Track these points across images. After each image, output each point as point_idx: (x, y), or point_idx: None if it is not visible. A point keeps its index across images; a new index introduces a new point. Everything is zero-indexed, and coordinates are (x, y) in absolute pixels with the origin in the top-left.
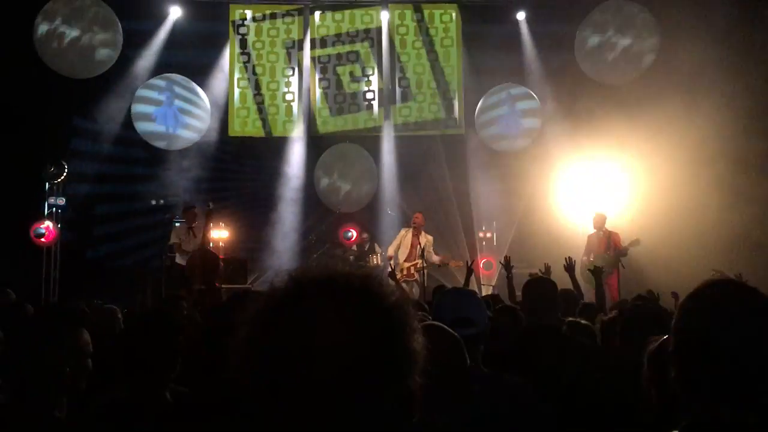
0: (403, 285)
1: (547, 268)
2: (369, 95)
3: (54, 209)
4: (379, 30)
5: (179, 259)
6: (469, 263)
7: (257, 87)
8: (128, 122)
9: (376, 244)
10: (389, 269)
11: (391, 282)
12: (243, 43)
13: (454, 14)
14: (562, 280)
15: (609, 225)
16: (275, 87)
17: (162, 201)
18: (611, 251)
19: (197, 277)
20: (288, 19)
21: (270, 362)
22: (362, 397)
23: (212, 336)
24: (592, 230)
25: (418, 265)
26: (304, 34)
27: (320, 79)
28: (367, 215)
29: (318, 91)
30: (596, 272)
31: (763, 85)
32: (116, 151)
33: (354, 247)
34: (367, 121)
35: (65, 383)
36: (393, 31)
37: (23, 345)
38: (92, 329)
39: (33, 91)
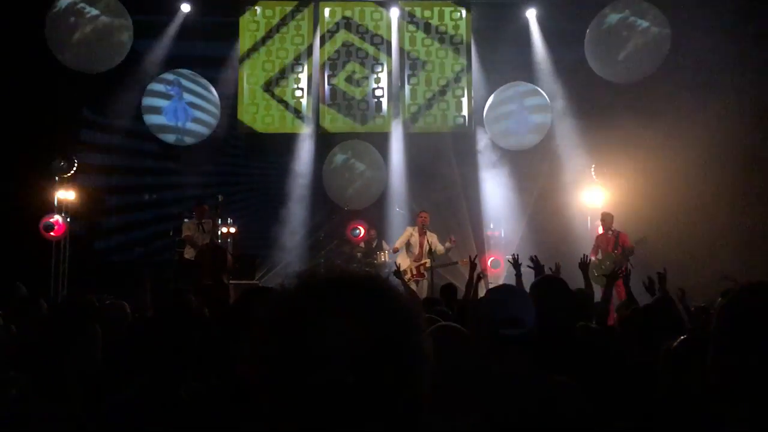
0: (413, 284)
1: (558, 268)
2: (378, 92)
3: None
4: (388, 27)
5: (188, 254)
6: (473, 257)
7: (267, 83)
8: (138, 116)
9: (383, 242)
10: (395, 268)
11: (398, 281)
12: (253, 39)
13: (464, 11)
14: (571, 279)
15: (619, 225)
16: (285, 83)
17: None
18: (619, 250)
19: (206, 272)
20: (298, 16)
21: (280, 363)
22: (372, 397)
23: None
24: (600, 229)
25: (427, 265)
26: (314, 30)
27: (329, 76)
28: (375, 213)
29: (327, 88)
30: (610, 276)
31: None
32: (126, 144)
33: (362, 245)
34: (375, 118)
35: (79, 378)
36: (403, 28)
37: (38, 340)
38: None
39: (43, 85)
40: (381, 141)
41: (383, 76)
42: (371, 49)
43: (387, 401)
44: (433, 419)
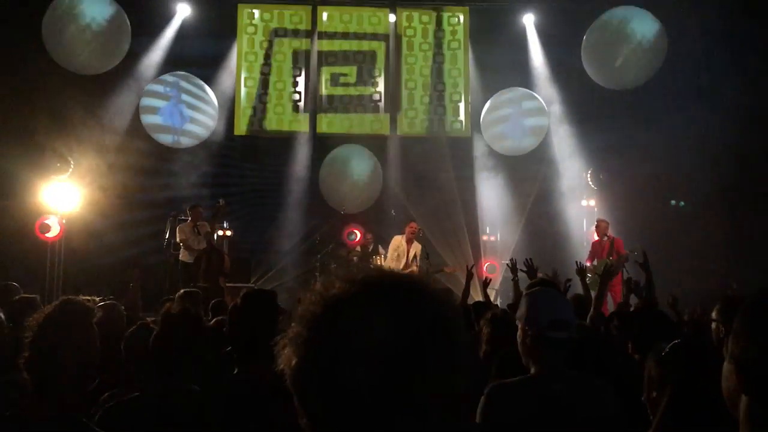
0: None
1: (555, 273)
2: (375, 97)
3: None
4: (386, 32)
5: (183, 256)
6: (470, 267)
7: (264, 86)
8: (135, 120)
9: (380, 246)
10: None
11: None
12: (250, 43)
13: (462, 17)
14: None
15: (614, 230)
16: (282, 87)
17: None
18: (614, 257)
19: (203, 276)
20: (296, 19)
21: (321, 362)
22: (414, 395)
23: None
24: (595, 236)
25: (414, 272)
26: (312, 34)
27: (327, 80)
28: (372, 217)
29: (324, 92)
30: (604, 275)
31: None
32: (123, 144)
33: (358, 249)
34: (372, 122)
35: (77, 379)
36: (400, 33)
37: (34, 340)
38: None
39: (39, 84)
40: (378, 145)
41: (380, 80)
42: (368, 53)
43: (429, 397)
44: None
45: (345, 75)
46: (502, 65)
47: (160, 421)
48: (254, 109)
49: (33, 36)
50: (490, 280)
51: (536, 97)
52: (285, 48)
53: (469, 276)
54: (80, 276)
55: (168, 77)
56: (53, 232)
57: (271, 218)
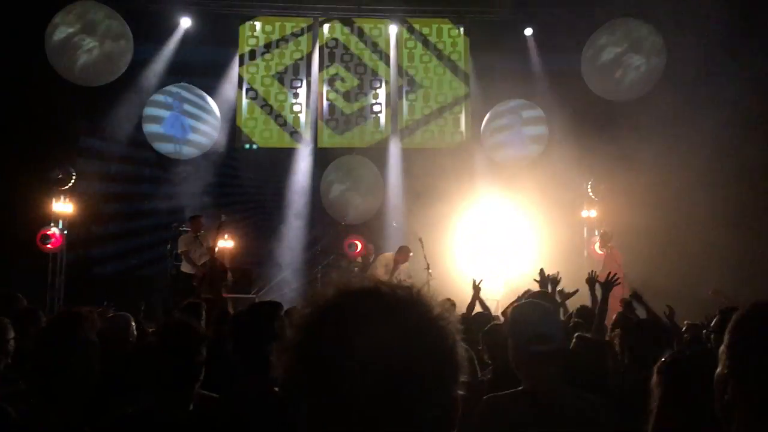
0: None
1: (542, 273)
2: (376, 108)
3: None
4: (387, 43)
5: (185, 267)
6: (478, 282)
7: (266, 98)
8: (138, 131)
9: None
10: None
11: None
12: (252, 55)
13: (462, 29)
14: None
15: (616, 241)
16: (283, 98)
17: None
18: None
19: (205, 287)
20: (297, 31)
21: (318, 370)
22: (408, 405)
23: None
24: (595, 245)
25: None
26: (313, 46)
27: (328, 92)
28: (373, 228)
29: (325, 104)
30: (605, 285)
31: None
32: (125, 154)
33: (359, 259)
34: (373, 133)
35: (78, 389)
36: (401, 44)
37: (37, 351)
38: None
39: (42, 96)
40: (379, 156)
41: (381, 92)
42: (370, 65)
43: (423, 408)
44: None
45: (346, 87)
46: (502, 76)
47: None
48: (255, 120)
49: (36, 47)
50: (479, 289)
51: (536, 107)
52: (286, 60)
53: (477, 290)
54: (81, 286)
55: (170, 88)
56: (54, 243)
57: (273, 229)
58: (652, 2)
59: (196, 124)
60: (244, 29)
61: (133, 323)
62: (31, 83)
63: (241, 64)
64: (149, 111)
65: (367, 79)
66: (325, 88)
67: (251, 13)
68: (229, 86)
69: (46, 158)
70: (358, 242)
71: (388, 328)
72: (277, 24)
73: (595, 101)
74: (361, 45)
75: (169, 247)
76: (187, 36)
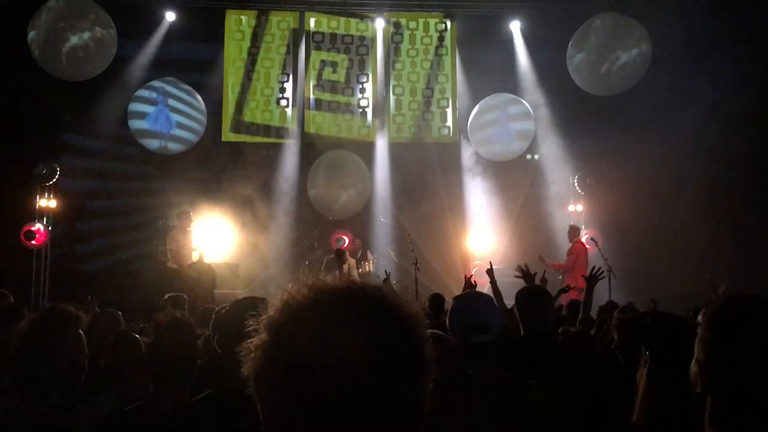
0: None
1: (525, 267)
2: (363, 102)
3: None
4: (373, 38)
5: (172, 263)
6: (470, 277)
7: (252, 92)
8: (123, 127)
9: (368, 251)
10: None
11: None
12: (238, 48)
13: (449, 23)
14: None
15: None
16: (269, 92)
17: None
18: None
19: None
20: (283, 26)
21: (288, 370)
22: (378, 403)
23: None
24: (582, 238)
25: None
26: (299, 40)
27: (314, 86)
28: (360, 223)
29: (312, 98)
30: (589, 280)
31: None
32: (110, 149)
33: (347, 254)
34: (360, 128)
35: (66, 385)
36: (388, 39)
37: (20, 348)
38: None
39: (26, 92)
40: (366, 151)
41: (368, 86)
42: (356, 60)
43: (393, 406)
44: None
45: (332, 81)
46: (489, 71)
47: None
48: (242, 114)
49: (19, 42)
50: (474, 285)
51: (522, 102)
52: (272, 54)
53: (468, 286)
54: (66, 282)
55: (155, 83)
56: (39, 239)
57: (260, 224)
58: None
59: (182, 119)
60: (230, 23)
61: (121, 319)
62: (14, 79)
63: (226, 58)
64: (134, 107)
65: (353, 73)
66: (311, 83)
67: (238, 6)
68: (215, 81)
69: (30, 154)
70: (345, 237)
71: (358, 325)
72: (263, 18)
73: (582, 96)
74: (348, 39)
75: (157, 243)
76: (172, 31)
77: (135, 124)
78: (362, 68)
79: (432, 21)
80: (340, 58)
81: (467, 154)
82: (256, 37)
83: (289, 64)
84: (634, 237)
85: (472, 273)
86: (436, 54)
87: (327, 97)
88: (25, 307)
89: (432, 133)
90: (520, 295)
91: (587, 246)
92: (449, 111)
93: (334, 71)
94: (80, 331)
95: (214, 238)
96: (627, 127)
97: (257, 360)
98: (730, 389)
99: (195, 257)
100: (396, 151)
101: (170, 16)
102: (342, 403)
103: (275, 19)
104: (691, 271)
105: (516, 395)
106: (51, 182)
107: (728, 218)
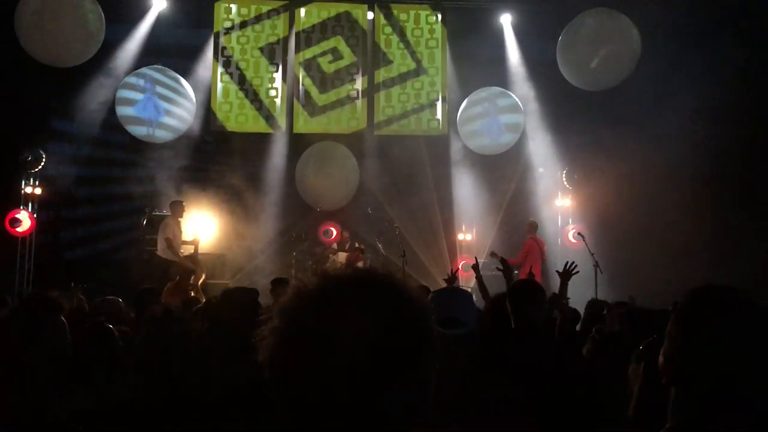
0: None
1: (501, 261)
2: (353, 94)
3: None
4: (364, 29)
5: (164, 253)
6: (455, 271)
7: (241, 82)
8: (111, 114)
9: (356, 243)
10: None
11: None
12: (227, 38)
13: (439, 15)
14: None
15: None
16: (258, 83)
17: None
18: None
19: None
20: (274, 15)
21: (303, 353)
22: (388, 383)
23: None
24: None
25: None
26: (290, 30)
27: (304, 77)
28: (348, 214)
29: (302, 89)
30: (563, 274)
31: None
32: (97, 136)
33: (334, 245)
34: (350, 120)
35: (49, 375)
36: (378, 30)
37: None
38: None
39: (12, 77)
40: (355, 143)
41: (358, 77)
42: (347, 51)
43: (402, 386)
44: None
45: (322, 72)
46: (479, 64)
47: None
48: (230, 104)
49: (5, 26)
50: (456, 278)
51: (511, 95)
52: (262, 44)
53: (453, 279)
54: (51, 270)
55: (144, 70)
56: (24, 227)
57: (248, 215)
58: None
59: (170, 107)
60: (220, 12)
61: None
62: (0, 64)
63: (215, 47)
64: (122, 93)
65: (343, 65)
66: (301, 74)
67: None
68: (204, 69)
69: (16, 140)
70: (333, 228)
71: (368, 309)
72: (253, 7)
73: (571, 90)
74: (338, 30)
75: (142, 230)
76: (161, 17)
77: (123, 110)
78: (352, 60)
79: (423, 13)
80: (330, 49)
81: (456, 148)
82: (246, 27)
83: (279, 55)
84: (621, 232)
85: (460, 266)
86: (427, 46)
87: (317, 88)
88: (8, 294)
89: (421, 126)
90: (513, 289)
91: (539, 242)
92: (439, 104)
93: (324, 63)
94: (63, 318)
95: (202, 228)
96: (615, 122)
97: (272, 345)
98: (694, 381)
99: (191, 249)
100: (385, 143)
101: (160, 4)
102: (356, 382)
103: (266, 8)
104: (679, 266)
105: (488, 390)
106: (37, 169)
107: (714, 213)
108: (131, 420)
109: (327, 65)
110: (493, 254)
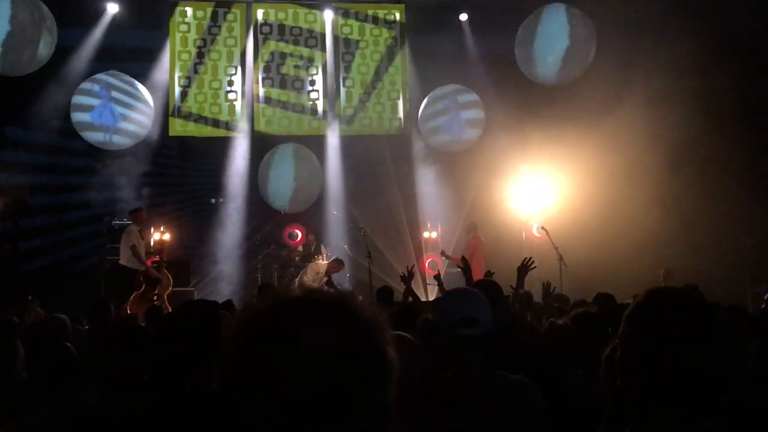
0: None
1: (490, 274)
2: (313, 95)
3: None
4: (322, 29)
5: (127, 262)
6: (411, 268)
7: (199, 86)
8: (66, 121)
9: (322, 245)
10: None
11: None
12: (184, 41)
13: (398, 15)
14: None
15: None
16: (217, 86)
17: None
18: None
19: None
20: (230, 17)
21: (255, 377)
22: (345, 406)
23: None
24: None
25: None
26: (247, 32)
27: (264, 79)
28: (313, 216)
29: (262, 91)
30: (520, 269)
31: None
32: (53, 143)
33: (300, 248)
34: (311, 121)
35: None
36: (337, 30)
37: None
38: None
39: None
40: (317, 144)
41: (318, 78)
42: (306, 52)
43: (359, 409)
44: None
45: (282, 74)
46: (439, 61)
47: None
48: (189, 108)
49: None
50: (413, 275)
51: (471, 92)
52: (219, 46)
53: (410, 276)
54: (8, 281)
55: (99, 76)
56: None
57: (211, 220)
58: None
59: (127, 112)
60: (175, 15)
61: (68, 324)
62: None
63: (172, 50)
64: (77, 99)
65: (303, 66)
66: (261, 75)
67: None
68: (160, 73)
69: None
70: (298, 231)
71: (323, 330)
72: (209, 10)
73: (530, 86)
74: (296, 31)
75: (104, 239)
76: (115, 21)
77: (78, 117)
78: (312, 60)
79: (381, 12)
80: (290, 49)
81: (419, 146)
82: (203, 30)
83: (238, 57)
84: (585, 225)
85: (426, 264)
86: (386, 45)
87: (276, 90)
88: None
89: (383, 125)
90: (478, 289)
91: (481, 241)
92: (400, 103)
93: (284, 64)
94: (16, 340)
95: (164, 235)
96: (577, 116)
97: (227, 366)
98: (643, 383)
99: (155, 257)
100: (347, 144)
101: (113, 8)
102: (309, 408)
103: (222, 10)
104: (643, 259)
105: (502, 390)
106: None
107: (676, 204)
108: None
109: (286, 66)
110: (443, 254)
